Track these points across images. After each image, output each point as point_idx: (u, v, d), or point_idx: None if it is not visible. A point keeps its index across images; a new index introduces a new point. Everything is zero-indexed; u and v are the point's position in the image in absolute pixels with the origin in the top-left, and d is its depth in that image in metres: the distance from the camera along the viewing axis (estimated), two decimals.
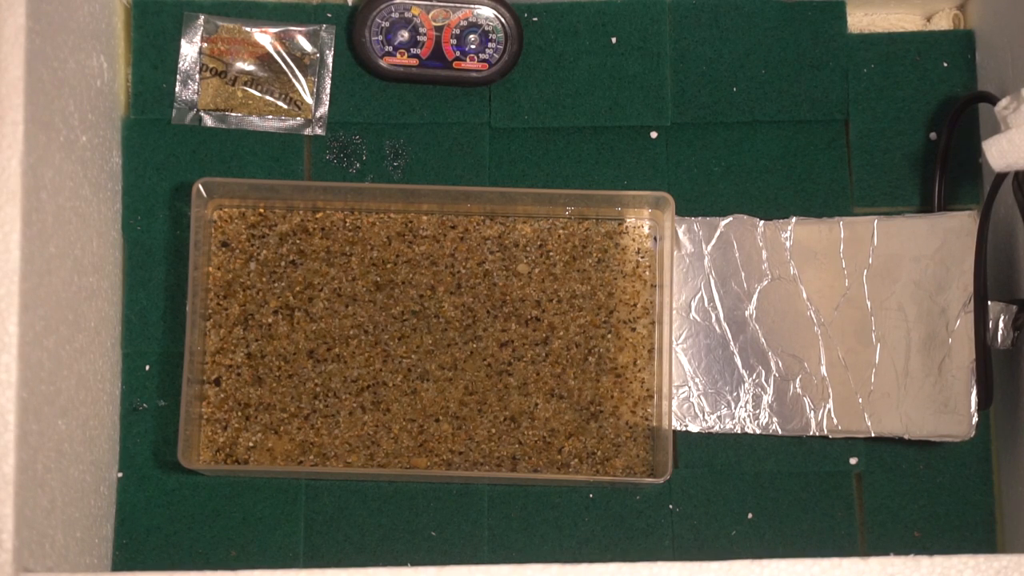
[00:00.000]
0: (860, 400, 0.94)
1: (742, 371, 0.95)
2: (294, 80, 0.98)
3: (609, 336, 0.95)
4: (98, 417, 0.90)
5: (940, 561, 0.72)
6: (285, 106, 0.98)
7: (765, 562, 0.72)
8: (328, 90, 0.98)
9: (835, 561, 0.72)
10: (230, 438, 0.94)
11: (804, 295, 0.96)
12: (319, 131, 0.98)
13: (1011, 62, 0.94)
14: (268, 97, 0.98)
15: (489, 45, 0.97)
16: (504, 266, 0.96)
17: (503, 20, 0.97)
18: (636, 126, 0.98)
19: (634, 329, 0.95)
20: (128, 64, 0.98)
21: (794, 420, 0.95)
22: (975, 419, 0.93)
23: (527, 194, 0.95)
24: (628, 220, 0.96)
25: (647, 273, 0.96)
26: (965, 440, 0.94)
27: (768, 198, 0.98)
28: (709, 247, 0.96)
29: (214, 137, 0.98)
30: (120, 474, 0.94)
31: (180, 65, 0.98)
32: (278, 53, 0.98)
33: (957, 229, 0.95)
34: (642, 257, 0.96)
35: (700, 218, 0.97)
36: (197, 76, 0.98)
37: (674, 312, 0.95)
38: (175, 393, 0.94)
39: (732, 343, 0.95)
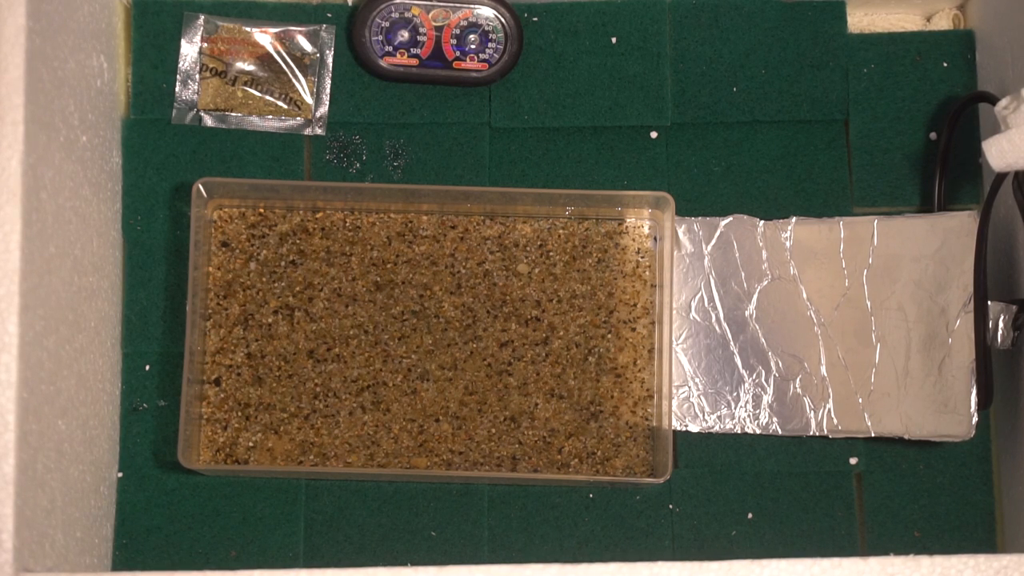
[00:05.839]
0: (860, 400, 0.94)
1: (742, 371, 0.95)
2: (294, 80, 0.98)
3: (609, 336, 0.95)
4: (98, 417, 0.90)
5: (940, 561, 0.72)
6: (285, 106, 0.98)
7: (765, 562, 0.72)
8: (328, 90, 0.98)
9: (835, 561, 0.72)
10: (230, 438, 0.94)
11: (804, 295, 0.96)
12: (319, 131, 0.98)
13: (1011, 62, 0.94)
14: (268, 97, 0.98)
15: (489, 45, 0.97)
16: (504, 266, 0.96)
17: (503, 20, 0.97)
18: (636, 126, 0.98)
19: (634, 329, 0.95)
20: (128, 64, 0.98)
21: (794, 420, 0.95)
22: (975, 419, 0.93)
23: (527, 194, 0.95)
24: (628, 220, 0.96)
25: (647, 273, 0.96)
26: (965, 440, 0.94)
27: (768, 198, 0.98)
28: (709, 247, 0.96)
29: (214, 137, 0.98)
30: (120, 474, 0.94)
31: (180, 65, 0.98)
32: (278, 53, 0.98)
33: (957, 229, 0.95)
34: (642, 257, 0.96)
35: (700, 218, 0.96)
36: (197, 76, 0.98)
37: (674, 312, 0.95)
38: (175, 393, 0.94)
39: (732, 343, 0.95)
